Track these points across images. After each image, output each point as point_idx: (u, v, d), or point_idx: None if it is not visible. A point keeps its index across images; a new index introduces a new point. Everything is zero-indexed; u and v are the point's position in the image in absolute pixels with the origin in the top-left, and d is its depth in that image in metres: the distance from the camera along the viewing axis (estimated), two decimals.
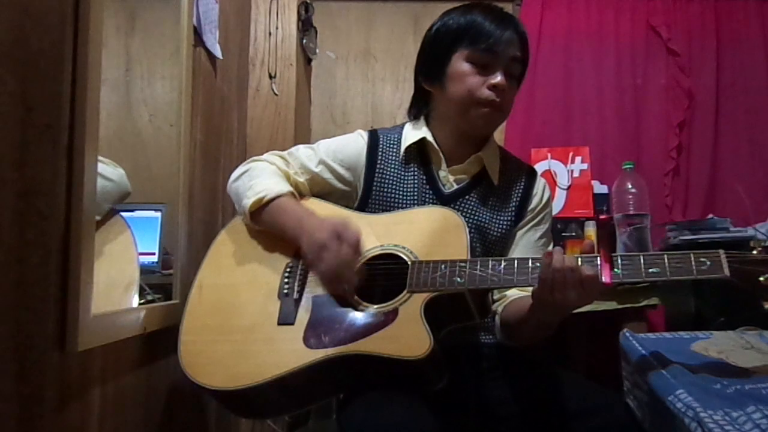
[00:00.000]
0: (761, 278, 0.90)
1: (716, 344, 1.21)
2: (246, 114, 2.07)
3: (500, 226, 1.21)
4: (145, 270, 1.25)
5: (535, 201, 1.25)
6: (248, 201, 1.16)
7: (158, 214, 1.41)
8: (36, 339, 0.76)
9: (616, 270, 0.96)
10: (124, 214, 1.21)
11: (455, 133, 1.22)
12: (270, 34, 2.13)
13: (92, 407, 0.91)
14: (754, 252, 0.93)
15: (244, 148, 2.03)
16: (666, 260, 0.95)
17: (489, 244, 1.20)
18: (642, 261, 0.96)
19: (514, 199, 1.23)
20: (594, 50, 2.48)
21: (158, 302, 1.24)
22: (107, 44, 0.97)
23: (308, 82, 2.52)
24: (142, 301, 1.20)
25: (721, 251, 0.93)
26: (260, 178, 1.19)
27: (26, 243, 0.76)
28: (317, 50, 2.42)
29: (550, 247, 1.25)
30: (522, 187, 1.25)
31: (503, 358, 1.18)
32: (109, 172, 1.14)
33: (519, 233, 1.23)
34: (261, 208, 1.16)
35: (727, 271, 0.91)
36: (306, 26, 2.27)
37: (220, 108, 1.71)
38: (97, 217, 1.02)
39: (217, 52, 1.59)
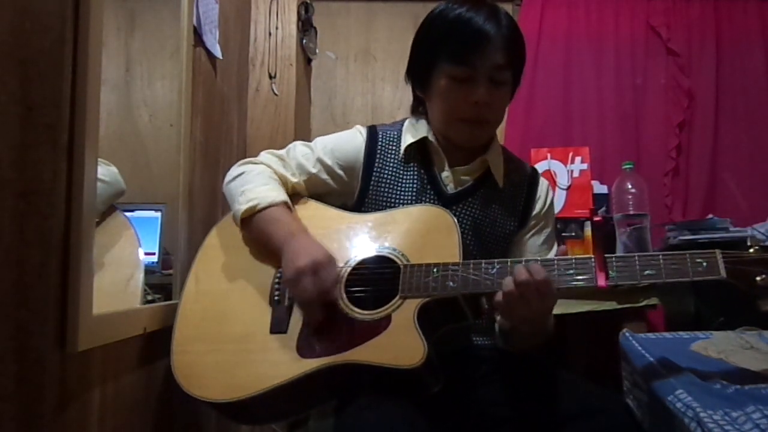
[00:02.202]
0: (758, 278, 0.89)
1: (716, 344, 1.21)
2: (246, 114, 2.07)
3: (503, 230, 1.20)
4: (146, 270, 1.25)
5: (538, 206, 1.23)
6: (240, 207, 1.14)
7: (158, 214, 1.41)
8: (36, 339, 0.76)
9: (610, 273, 0.95)
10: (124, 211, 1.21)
11: (450, 139, 1.19)
12: (270, 34, 2.13)
13: (92, 407, 0.91)
14: (751, 251, 0.92)
15: (244, 148, 2.03)
16: (662, 262, 0.93)
17: (489, 247, 1.18)
18: (637, 263, 0.94)
19: (518, 205, 1.22)
20: (594, 50, 2.48)
21: (158, 302, 1.24)
22: (107, 44, 0.98)
23: (308, 82, 2.52)
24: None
25: (718, 251, 0.92)
26: (253, 184, 1.17)
27: (26, 243, 0.76)
28: (317, 50, 2.42)
29: (554, 249, 1.25)
30: (525, 191, 1.23)
31: (502, 360, 1.17)
32: (102, 172, 1.14)
33: (523, 240, 1.22)
34: (252, 215, 1.14)
35: (723, 273, 0.90)
36: (306, 26, 2.27)
37: (220, 108, 1.71)
38: None
39: (217, 52, 1.59)
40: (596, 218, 1.01)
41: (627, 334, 1.29)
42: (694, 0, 2.48)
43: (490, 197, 1.20)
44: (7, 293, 0.75)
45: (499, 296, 0.96)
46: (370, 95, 2.60)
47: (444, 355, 1.00)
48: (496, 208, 1.20)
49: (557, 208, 1.95)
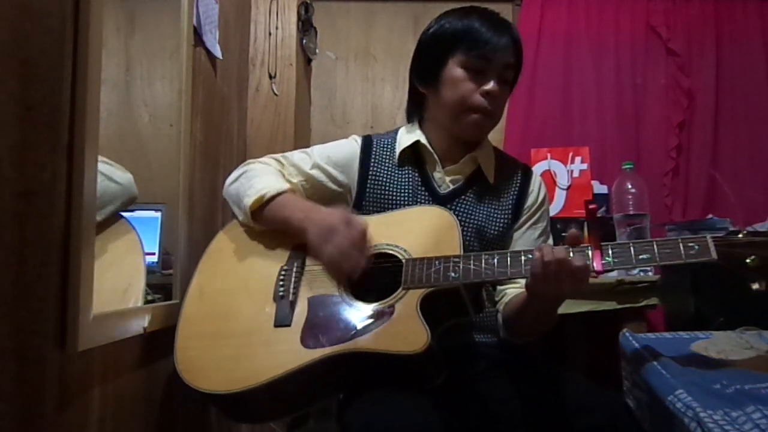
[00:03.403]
0: (748, 260, 0.92)
1: (716, 344, 1.21)
2: (246, 114, 2.07)
3: (498, 224, 1.22)
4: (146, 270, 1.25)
5: (531, 199, 1.26)
6: (249, 199, 1.16)
7: (158, 214, 1.41)
8: (36, 339, 0.76)
9: (606, 258, 0.97)
10: (125, 214, 1.21)
11: (448, 136, 1.23)
12: (270, 34, 2.13)
13: (92, 407, 0.91)
14: (740, 235, 0.96)
15: (244, 148, 2.03)
16: (655, 247, 0.97)
17: (487, 243, 1.20)
18: (632, 248, 0.98)
19: (511, 198, 1.25)
20: (594, 50, 2.48)
21: (158, 302, 1.24)
22: (107, 44, 0.97)
23: (308, 82, 2.52)
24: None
25: (708, 236, 0.95)
26: (260, 178, 1.20)
27: (26, 243, 0.76)
28: (317, 50, 2.42)
29: (550, 242, 1.27)
30: (518, 184, 1.26)
31: (503, 357, 1.18)
32: (117, 175, 1.15)
33: (518, 233, 1.25)
34: (263, 206, 1.16)
35: (714, 254, 0.94)
36: (306, 26, 2.27)
37: (220, 108, 1.71)
38: (99, 218, 1.02)
39: (217, 52, 1.59)
40: (591, 206, 1.03)
41: (627, 334, 1.29)
42: (694, 0, 2.48)
43: (482, 193, 1.23)
44: (7, 293, 0.75)
45: (536, 264, 0.97)
46: (369, 95, 2.60)
47: (446, 351, 1.01)
48: (489, 204, 1.23)
49: (557, 208, 1.96)
